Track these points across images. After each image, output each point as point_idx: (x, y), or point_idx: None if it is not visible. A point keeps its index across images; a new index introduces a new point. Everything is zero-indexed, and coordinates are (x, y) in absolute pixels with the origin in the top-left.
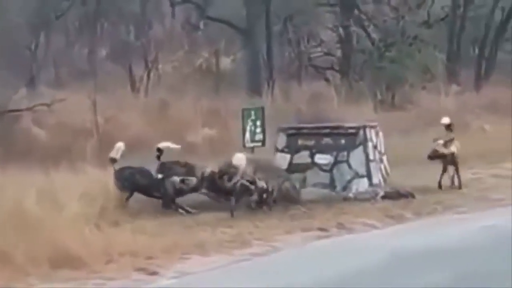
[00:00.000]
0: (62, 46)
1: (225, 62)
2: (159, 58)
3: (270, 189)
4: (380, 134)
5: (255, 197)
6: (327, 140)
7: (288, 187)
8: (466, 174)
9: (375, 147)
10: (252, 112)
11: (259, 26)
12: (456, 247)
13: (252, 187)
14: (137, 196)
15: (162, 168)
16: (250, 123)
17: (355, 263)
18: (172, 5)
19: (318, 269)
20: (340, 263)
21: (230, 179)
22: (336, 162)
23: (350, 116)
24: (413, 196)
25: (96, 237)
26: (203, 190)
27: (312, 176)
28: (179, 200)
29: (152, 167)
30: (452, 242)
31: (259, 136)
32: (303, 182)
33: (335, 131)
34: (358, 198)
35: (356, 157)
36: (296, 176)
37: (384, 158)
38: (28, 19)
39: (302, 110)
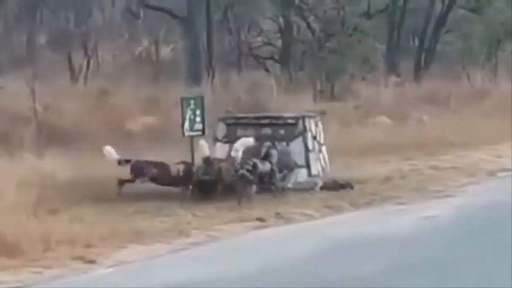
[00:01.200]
0: (1, 33)
1: (165, 51)
2: (99, 46)
3: (273, 169)
4: (320, 124)
5: (253, 188)
6: (266, 130)
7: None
8: (404, 165)
9: (314, 137)
10: (192, 101)
11: (199, 15)
12: (393, 237)
13: (251, 177)
14: (76, 184)
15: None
16: (189, 112)
17: (293, 253)
18: None
19: (256, 259)
20: (278, 253)
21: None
22: None
23: (289, 106)
24: (351, 187)
25: (33, 225)
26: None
27: None
28: None
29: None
30: (389, 232)
31: (198, 126)
32: None
33: (275, 121)
34: (297, 189)
35: (295, 148)
36: None
37: (323, 148)
38: None
39: (241, 99)
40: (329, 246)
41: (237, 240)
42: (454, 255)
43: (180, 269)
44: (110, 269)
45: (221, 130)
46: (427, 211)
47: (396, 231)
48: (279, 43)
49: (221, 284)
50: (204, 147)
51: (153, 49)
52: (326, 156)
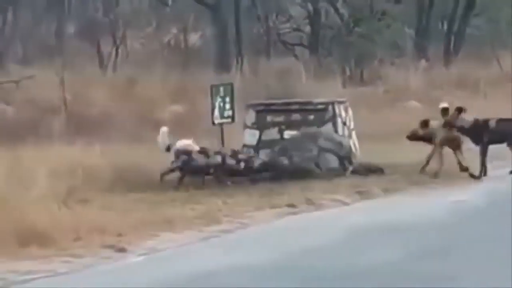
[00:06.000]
0: (30, 23)
1: (194, 39)
2: (127, 34)
3: None
4: (349, 109)
5: None
6: (296, 116)
7: None
8: None
9: (344, 123)
10: (221, 89)
11: (227, 2)
12: (424, 222)
13: None
14: (106, 173)
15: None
16: (219, 100)
17: (324, 239)
18: None
19: (287, 245)
20: (308, 239)
21: None
22: None
23: (319, 92)
24: (382, 172)
25: (64, 215)
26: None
27: None
28: None
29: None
30: (420, 217)
31: (228, 113)
32: None
33: (304, 107)
34: (327, 174)
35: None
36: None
37: (353, 133)
38: None
39: (271, 86)
40: (359, 232)
41: (268, 227)
42: (485, 240)
43: (211, 257)
44: (141, 257)
45: (251, 116)
46: (458, 195)
47: (427, 216)
48: (307, 29)
49: (252, 271)
50: None
51: (181, 36)
52: (356, 141)
